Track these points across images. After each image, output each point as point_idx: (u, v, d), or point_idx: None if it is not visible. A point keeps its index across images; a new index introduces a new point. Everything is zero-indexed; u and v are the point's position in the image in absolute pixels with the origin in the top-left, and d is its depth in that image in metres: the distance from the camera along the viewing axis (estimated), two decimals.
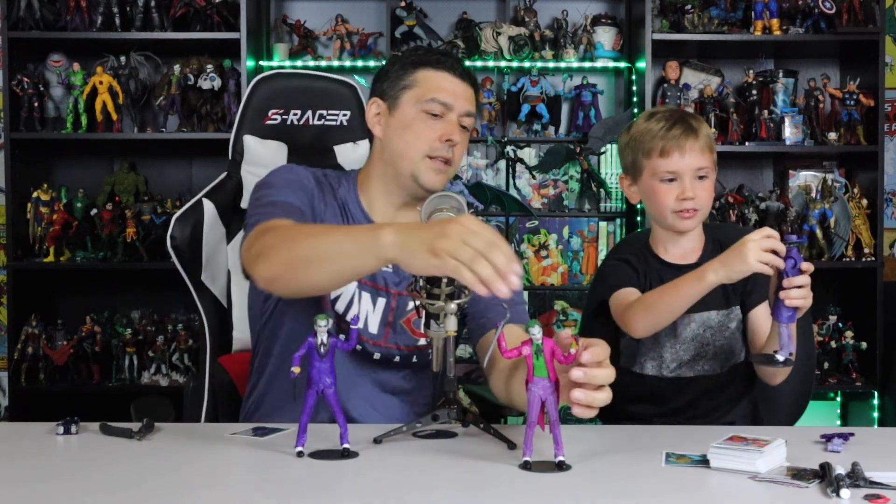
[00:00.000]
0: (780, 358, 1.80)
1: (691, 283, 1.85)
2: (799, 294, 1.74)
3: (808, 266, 1.74)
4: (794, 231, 3.87)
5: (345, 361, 1.85)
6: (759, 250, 1.73)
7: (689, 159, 2.00)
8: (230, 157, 2.19)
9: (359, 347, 1.87)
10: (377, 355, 1.89)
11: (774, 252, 1.73)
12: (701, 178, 2.02)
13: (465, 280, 1.35)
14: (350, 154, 2.19)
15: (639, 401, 2.06)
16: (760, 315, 2.02)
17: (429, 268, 1.39)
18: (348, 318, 1.85)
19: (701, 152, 2.01)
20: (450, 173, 1.89)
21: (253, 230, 1.74)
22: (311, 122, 2.21)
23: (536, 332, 1.40)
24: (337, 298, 1.86)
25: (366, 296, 1.87)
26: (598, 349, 1.41)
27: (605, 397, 1.41)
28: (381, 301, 1.88)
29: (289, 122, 2.20)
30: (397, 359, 1.91)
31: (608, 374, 1.41)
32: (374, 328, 1.88)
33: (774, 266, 1.73)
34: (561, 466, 1.39)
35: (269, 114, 2.19)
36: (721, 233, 2.13)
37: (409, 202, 1.93)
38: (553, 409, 1.40)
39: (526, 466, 1.40)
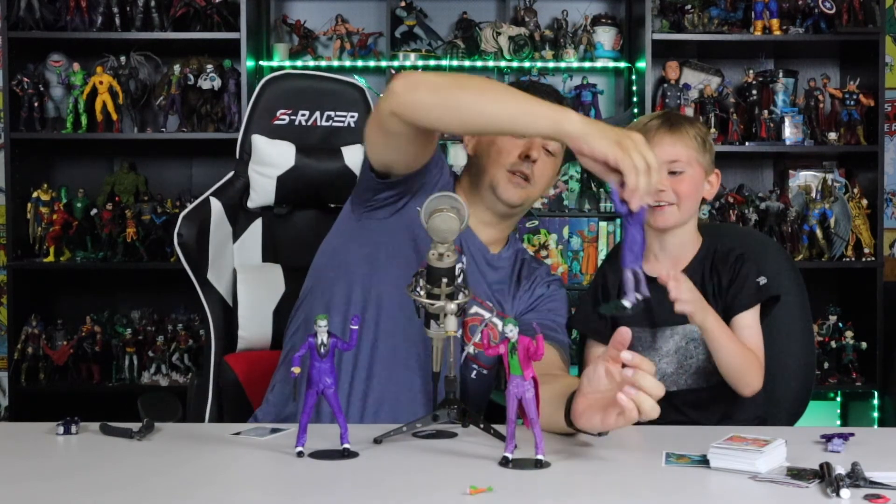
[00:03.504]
0: (627, 303, 1.55)
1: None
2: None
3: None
4: (797, 225, 3.88)
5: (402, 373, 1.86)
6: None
7: (657, 152, 1.89)
8: (237, 157, 2.20)
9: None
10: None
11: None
12: (675, 172, 1.96)
13: (628, 180, 1.47)
14: (358, 155, 2.19)
15: None
16: (742, 322, 1.96)
17: (607, 153, 1.48)
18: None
19: (672, 146, 1.95)
20: (529, 192, 1.93)
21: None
22: (318, 123, 2.22)
23: (511, 330, 1.40)
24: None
25: None
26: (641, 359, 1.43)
27: (651, 406, 1.40)
28: None
29: (297, 123, 2.21)
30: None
31: (655, 384, 1.41)
32: None
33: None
34: (539, 464, 1.40)
35: (278, 114, 2.20)
36: (722, 239, 2.08)
37: (491, 220, 1.97)
38: (531, 407, 1.39)
39: (505, 463, 1.40)
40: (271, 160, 2.15)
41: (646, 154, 1.49)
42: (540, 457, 1.40)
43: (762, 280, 2.00)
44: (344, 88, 2.26)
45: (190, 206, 2.11)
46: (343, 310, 1.86)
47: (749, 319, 1.97)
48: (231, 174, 2.20)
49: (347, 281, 1.88)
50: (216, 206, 2.13)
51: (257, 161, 2.17)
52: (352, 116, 2.23)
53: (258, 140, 2.16)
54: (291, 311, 2.01)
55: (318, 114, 2.21)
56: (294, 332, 1.97)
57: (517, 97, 1.61)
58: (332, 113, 2.22)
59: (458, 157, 3.95)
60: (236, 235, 2.20)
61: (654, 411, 1.40)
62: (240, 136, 2.19)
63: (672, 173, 1.96)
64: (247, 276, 2.15)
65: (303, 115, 2.21)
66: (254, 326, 2.12)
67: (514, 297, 1.97)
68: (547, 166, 1.95)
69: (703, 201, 2.07)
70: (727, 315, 1.97)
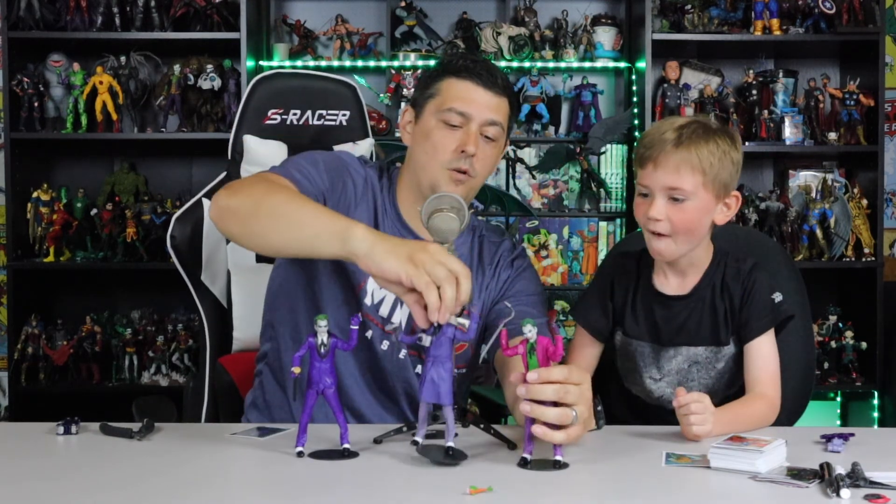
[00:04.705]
0: (451, 443, 1.42)
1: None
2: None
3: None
4: (793, 229, 3.88)
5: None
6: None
7: (660, 175, 1.76)
8: (230, 157, 2.19)
9: (402, 355, 1.84)
10: (402, 353, 1.84)
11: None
12: (676, 199, 1.76)
13: (428, 299, 1.38)
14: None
15: (634, 418, 1.94)
16: (756, 351, 1.83)
17: (399, 272, 1.40)
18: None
19: (676, 170, 1.74)
20: (472, 185, 1.84)
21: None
22: (310, 122, 2.22)
23: (530, 330, 1.40)
24: (380, 303, 1.83)
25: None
26: (552, 370, 1.40)
27: (555, 415, 1.38)
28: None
29: (288, 122, 2.20)
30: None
31: (552, 390, 1.38)
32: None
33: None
34: (557, 465, 1.40)
35: (269, 114, 2.20)
36: (734, 251, 1.93)
37: None
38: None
39: (523, 463, 1.40)
40: (263, 160, 2.14)
41: (448, 263, 1.38)
42: (558, 458, 1.40)
43: (777, 297, 1.85)
44: (335, 87, 2.25)
45: (182, 208, 2.10)
46: (294, 340, 1.86)
47: (764, 346, 1.83)
48: (223, 175, 2.20)
49: (292, 319, 1.87)
50: (209, 207, 2.12)
51: (249, 161, 2.16)
52: (343, 115, 2.23)
53: (250, 140, 2.16)
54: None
55: (309, 113, 2.21)
56: (259, 370, 1.95)
57: (308, 218, 1.55)
58: (323, 111, 2.22)
59: None
60: None
61: (561, 416, 1.38)
62: (231, 136, 2.19)
63: (674, 199, 1.77)
64: (241, 278, 2.15)
65: (294, 114, 2.21)
66: (248, 328, 2.11)
67: (481, 286, 1.88)
68: (487, 154, 1.84)
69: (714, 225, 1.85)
70: (740, 338, 1.86)
